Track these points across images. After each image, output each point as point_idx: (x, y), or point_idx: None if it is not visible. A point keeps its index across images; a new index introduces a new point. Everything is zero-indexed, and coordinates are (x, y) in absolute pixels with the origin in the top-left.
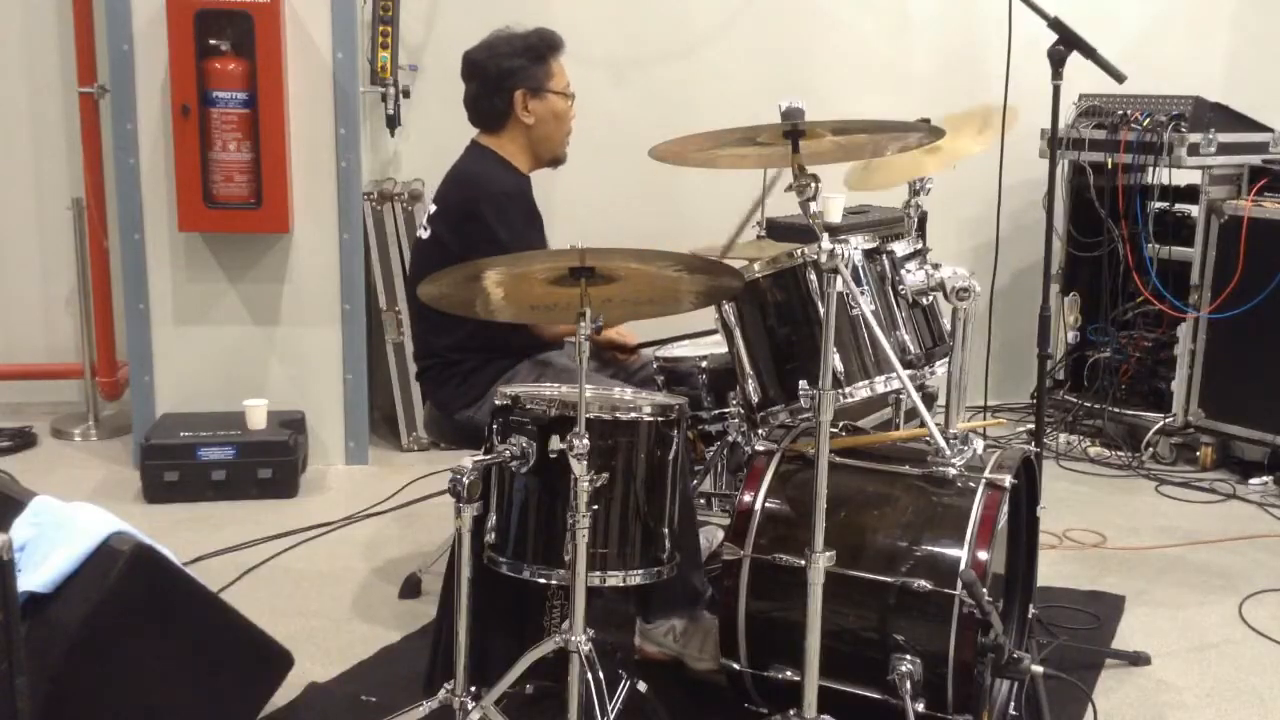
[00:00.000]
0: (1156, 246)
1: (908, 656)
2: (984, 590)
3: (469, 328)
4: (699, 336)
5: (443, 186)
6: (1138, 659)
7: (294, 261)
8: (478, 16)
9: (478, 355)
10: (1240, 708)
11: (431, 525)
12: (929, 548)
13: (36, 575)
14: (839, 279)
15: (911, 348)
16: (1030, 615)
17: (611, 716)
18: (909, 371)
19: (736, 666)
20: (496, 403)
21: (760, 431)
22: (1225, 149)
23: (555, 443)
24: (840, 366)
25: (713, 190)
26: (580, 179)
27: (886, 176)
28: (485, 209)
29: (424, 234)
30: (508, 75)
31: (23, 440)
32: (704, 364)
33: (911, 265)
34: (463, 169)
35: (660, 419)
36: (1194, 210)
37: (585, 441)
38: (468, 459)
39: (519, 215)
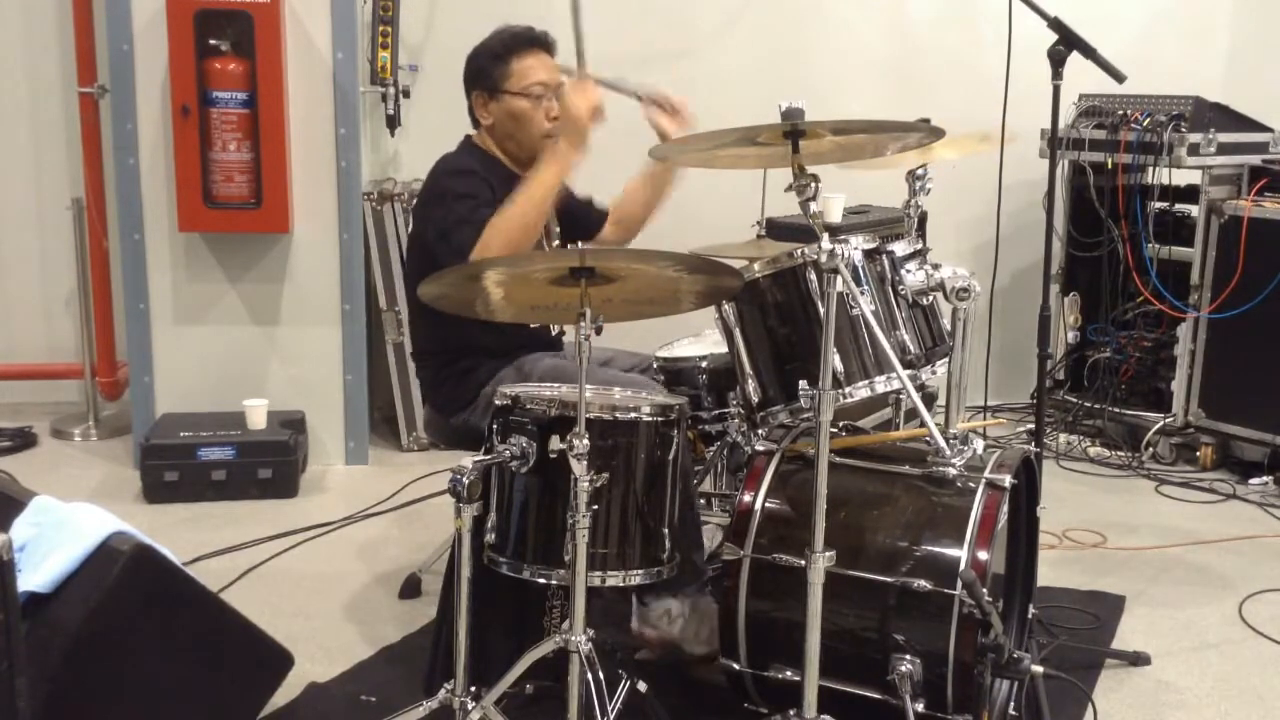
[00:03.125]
0: (1156, 246)
1: (908, 656)
2: (984, 590)
3: (450, 324)
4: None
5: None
6: (1138, 659)
7: (294, 261)
8: (478, 16)
9: (467, 357)
10: (1240, 708)
11: (431, 525)
12: (929, 548)
13: (36, 575)
14: (839, 279)
15: (911, 348)
16: (1030, 615)
17: (611, 716)
18: (909, 371)
19: (736, 666)
20: (497, 403)
21: (760, 431)
22: (1225, 149)
23: (555, 443)
24: (840, 366)
25: (713, 190)
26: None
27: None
28: (432, 192)
29: (410, 230)
30: (469, 77)
31: (23, 440)
32: (704, 364)
33: (911, 265)
34: (439, 161)
35: (660, 419)
36: (1194, 210)
37: (585, 441)
38: (468, 459)
39: (464, 190)
